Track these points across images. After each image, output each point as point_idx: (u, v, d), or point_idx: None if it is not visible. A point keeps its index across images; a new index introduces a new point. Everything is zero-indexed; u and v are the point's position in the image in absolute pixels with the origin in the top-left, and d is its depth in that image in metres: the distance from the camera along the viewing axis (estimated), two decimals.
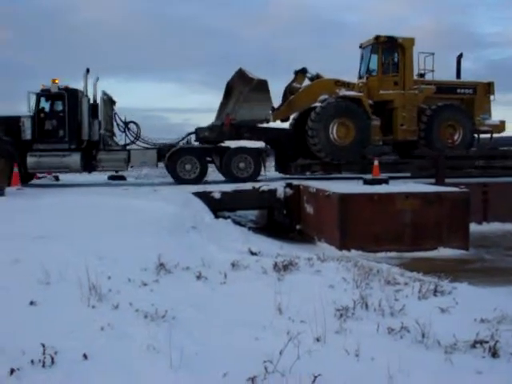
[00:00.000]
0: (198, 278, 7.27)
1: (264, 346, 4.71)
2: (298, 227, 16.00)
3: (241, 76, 17.44)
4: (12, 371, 4.20)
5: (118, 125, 18.16)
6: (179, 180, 17.24)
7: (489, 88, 20.16)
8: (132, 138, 18.01)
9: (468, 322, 5.57)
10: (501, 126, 20.33)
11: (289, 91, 19.45)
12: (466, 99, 20.09)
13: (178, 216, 12.14)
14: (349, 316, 5.69)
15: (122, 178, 21.09)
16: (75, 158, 16.42)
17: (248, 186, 16.26)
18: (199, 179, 17.29)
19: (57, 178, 20.58)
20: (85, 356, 4.55)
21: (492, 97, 20.33)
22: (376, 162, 15.89)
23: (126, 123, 18.10)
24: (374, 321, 5.52)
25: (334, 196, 13.35)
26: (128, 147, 17.83)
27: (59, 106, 16.73)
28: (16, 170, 16.00)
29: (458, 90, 20.07)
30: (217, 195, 15.48)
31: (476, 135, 20.09)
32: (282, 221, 16.54)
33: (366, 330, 5.27)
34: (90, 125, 16.81)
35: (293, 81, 19.63)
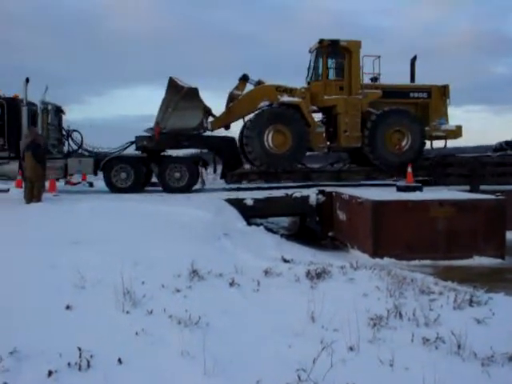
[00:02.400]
0: (231, 284, 7.29)
1: (297, 354, 4.71)
2: (330, 234, 15.94)
3: (171, 85, 17.05)
4: (50, 373, 4.32)
5: (63, 134, 18.50)
6: (113, 188, 17.17)
7: (444, 91, 19.26)
8: (75, 147, 18.24)
9: (505, 333, 5.45)
10: (457, 131, 19.30)
11: (229, 98, 19.03)
12: (420, 103, 19.10)
13: (210, 223, 12.22)
14: (382, 325, 5.64)
15: (156, 184, 21.33)
16: (13, 167, 16.68)
17: (280, 192, 16.23)
18: (134, 188, 17.13)
19: (91, 185, 20.92)
20: (120, 360, 4.62)
21: (448, 100, 19.40)
22: (410, 169, 15.70)
23: (69, 132, 18.37)
24: (408, 330, 5.45)
25: (367, 203, 13.26)
26: (75, 155, 18.08)
27: None
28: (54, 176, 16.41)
29: (412, 94, 19.14)
30: (249, 202, 15.49)
31: (429, 141, 19.19)
32: (315, 228, 16.46)
33: (400, 339, 5.22)
34: None
35: (234, 88, 19.15)
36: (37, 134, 14.68)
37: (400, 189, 14.67)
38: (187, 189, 17.16)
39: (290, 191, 16.22)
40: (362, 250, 13.35)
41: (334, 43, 18.25)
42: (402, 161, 18.07)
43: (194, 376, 4.35)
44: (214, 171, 19.99)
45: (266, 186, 17.84)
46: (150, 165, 17.71)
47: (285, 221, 20.31)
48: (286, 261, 9.47)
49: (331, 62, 18.65)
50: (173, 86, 16.94)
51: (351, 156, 20.71)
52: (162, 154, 18.25)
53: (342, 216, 15.20)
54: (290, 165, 18.09)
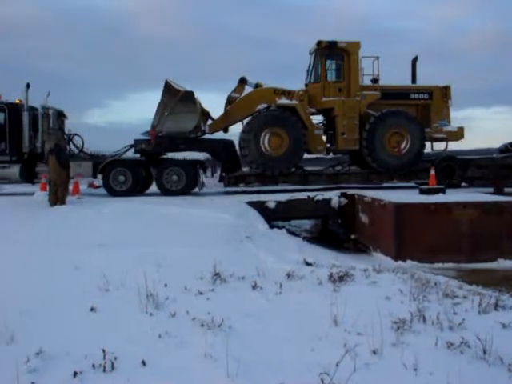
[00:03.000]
0: (254, 287, 7.30)
1: (320, 358, 4.69)
2: (352, 237, 15.85)
3: (167, 88, 17.01)
4: (75, 374, 4.41)
5: (64, 138, 18.65)
6: (112, 191, 17.24)
7: (446, 92, 18.77)
8: (76, 151, 18.49)
9: None
10: (459, 133, 18.78)
11: (228, 101, 18.89)
12: (421, 105, 18.78)
13: (233, 225, 12.24)
14: (406, 329, 5.59)
15: None
16: (14, 170, 17.06)
17: (302, 195, 16.21)
18: (132, 191, 17.17)
19: None
20: (143, 362, 4.67)
21: (449, 101, 18.88)
22: (432, 171, 15.55)
23: (70, 136, 18.57)
24: (432, 334, 5.40)
25: (389, 205, 13.18)
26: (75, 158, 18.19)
27: (1, 120, 17.28)
28: (77, 179, 16.64)
29: (412, 96, 18.71)
30: (271, 205, 15.50)
31: (429, 143, 18.66)
32: (337, 230, 16.40)
33: (424, 343, 5.17)
34: (30, 138, 17.33)
35: (233, 90, 18.97)
36: (59, 138, 14.87)
37: (423, 191, 14.55)
38: (185, 192, 17.14)
39: (312, 194, 16.19)
40: (384, 252, 13.27)
41: (332, 44, 18.00)
42: (402, 163, 17.90)
43: (217, 378, 4.37)
44: (212, 174, 19.91)
45: (285, 188, 17.82)
46: (150, 168, 17.83)
47: (307, 223, 20.25)
48: (308, 264, 9.46)
49: (330, 64, 18.36)
50: (169, 90, 16.98)
51: (352, 158, 20.53)
52: (162, 157, 18.34)
53: (364, 218, 15.13)
54: (287, 168, 17.86)
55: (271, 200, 15.63)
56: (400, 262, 12.18)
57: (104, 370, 4.51)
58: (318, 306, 6.32)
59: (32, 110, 17.44)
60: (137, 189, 17.53)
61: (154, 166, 17.66)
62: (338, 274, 8.02)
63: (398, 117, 17.87)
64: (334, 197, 16.15)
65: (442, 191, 14.44)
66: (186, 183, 17.27)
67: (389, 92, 18.37)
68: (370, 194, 15.06)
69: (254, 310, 6.26)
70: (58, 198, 14.09)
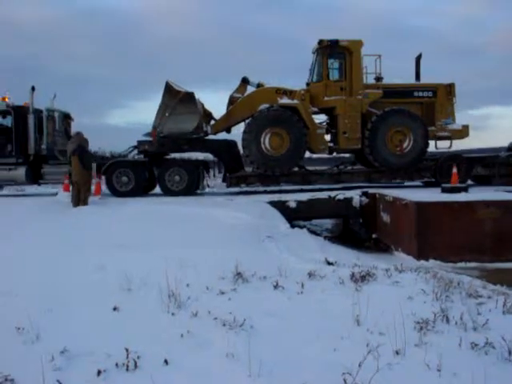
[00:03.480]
0: (275, 287, 7.29)
1: (342, 358, 4.68)
2: (374, 236, 15.79)
3: (168, 89, 17.03)
4: (99, 372, 4.46)
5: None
6: (115, 192, 17.33)
7: (450, 90, 18.44)
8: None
9: None
10: (464, 131, 18.40)
11: (230, 101, 18.86)
12: (425, 103, 18.41)
13: (254, 225, 12.26)
14: (429, 329, 5.54)
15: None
16: (20, 172, 17.34)
17: (323, 194, 16.19)
18: (136, 192, 17.22)
19: None
20: (166, 362, 4.70)
21: (454, 99, 18.58)
22: (455, 170, 15.40)
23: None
24: (455, 335, 5.34)
25: (411, 204, 13.08)
26: None
27: (7, 123, 17.65)
28: (99, 180, 16.81)
29: (416, 93, 18.43)
30: (292, 204, 15.50)
31: (433, 141, 18.26)
32: (358, 230, 16.34)
33: (448, 344, 5.11)
34: (36, 140, 17.56)
35: (235, 90, 18.96)
36: (82, 139, 15.03)
37: (445, 190, 14.40)
38: (186, 192, 17.16)
39: (333, 193, 16.16)
40: (406, 252, 13.18)
41: (334, 43, 17.83)
42: (404, 162, 17.72)
43: (239, 378, 4.38)
44: (214, 175, 19.90)
45: (308, 187, 17.79)
46: (153, 168, 17.90)
47: (328, 223, 20.21)
48: (329, 263, 9.43)
49: (331, 63, 18.22)
50: (169, 91, 17.02)
51: (356, 157, 20.34)
52: (166, 157, 18.43)
53: (385, 218, 15.04)
54: (288, 168, 17.76)
55: (292, 199, 15.64)
56: (422, 262, 12.09)
57: (127, 369, 4.56)
58: (340, 306, 6.30)
59: (37, 112, 17.70)
60: (140, 189, 17.64)
61: (157, 166, 17.78)
62: (359, 274, 7.98)
63: (400, 115, 17.66)
64: (355, 196, 16.10)
65: (465, 190, 14.28)
66: (188, 184, 17.33)
67: (392, 90, 18.21)
68: (392, 192, 14.97)
69: (276, 310, 6.25)
70: (80, 198, 14.26)
